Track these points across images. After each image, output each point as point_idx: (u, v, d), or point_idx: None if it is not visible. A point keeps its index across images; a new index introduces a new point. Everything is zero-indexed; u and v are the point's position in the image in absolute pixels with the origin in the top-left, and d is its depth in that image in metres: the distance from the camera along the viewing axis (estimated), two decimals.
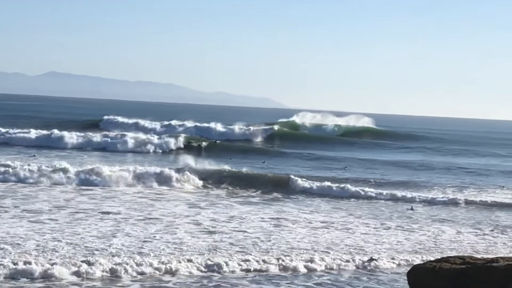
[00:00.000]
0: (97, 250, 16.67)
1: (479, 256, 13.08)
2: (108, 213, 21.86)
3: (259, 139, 61.47)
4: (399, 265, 17.24)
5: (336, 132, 71.85)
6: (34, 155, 41.85)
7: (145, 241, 18.04)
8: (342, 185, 30.67)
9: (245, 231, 20.29)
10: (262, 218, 22.95)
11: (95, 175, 29.21)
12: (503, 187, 35.14)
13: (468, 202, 29.14)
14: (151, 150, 47.31)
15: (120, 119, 67.56)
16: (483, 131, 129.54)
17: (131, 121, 66.98)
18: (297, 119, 77.57)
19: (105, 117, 68.77)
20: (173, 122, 65.55)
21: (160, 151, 47.50)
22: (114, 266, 15.11)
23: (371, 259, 17.38)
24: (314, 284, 15.29)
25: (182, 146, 48.63)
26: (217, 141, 52.14)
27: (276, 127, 65.30)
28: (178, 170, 31.03)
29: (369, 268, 16.86)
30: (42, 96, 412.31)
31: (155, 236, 18.71)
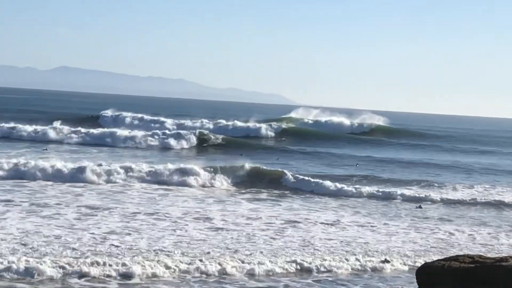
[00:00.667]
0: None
1: (489, 255, 13.03)
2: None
3: (268, 136, 61.45)
4: (409, 265, 17.09)
5: (349, 130, 71.76)
6: (46, 149, 42.00)
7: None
8: (356, 186, 30.44)
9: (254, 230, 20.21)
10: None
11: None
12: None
13: (478, 202, 28.99)
14: (156, 146, 46.93)
15: (124, 113, 67.04)
16: (492, 129, 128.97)
17: (130, 114, 66.52)
18: (294, 114, 77.73)
19: (104, 112, 68.20)
20: (170, 121, 64.27)
21: (168, 147, 47.19)
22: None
23: (386, 261, 17.12)
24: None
25: (195, 143, 48.44)
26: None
27: (284, 125, 65.17)
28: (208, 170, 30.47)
29: (383, 269, 16.65)
30: (52, 90, 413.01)
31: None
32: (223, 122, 64.04)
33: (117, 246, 16.68)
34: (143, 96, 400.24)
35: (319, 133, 64.54)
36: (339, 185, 29.96)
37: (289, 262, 16.24)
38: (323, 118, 76.40)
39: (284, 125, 65.03)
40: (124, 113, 67.02)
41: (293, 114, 78.04)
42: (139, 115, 66.54)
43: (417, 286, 11.56)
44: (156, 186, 27.78)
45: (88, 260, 14.88)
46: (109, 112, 67.73)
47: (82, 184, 26.95)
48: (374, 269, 16.59)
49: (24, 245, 16.18)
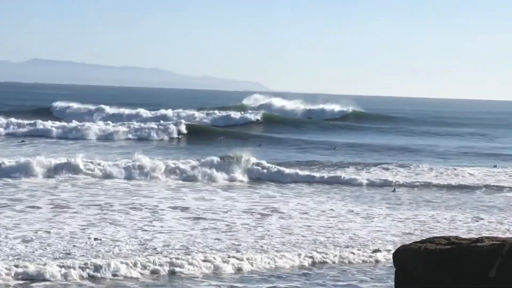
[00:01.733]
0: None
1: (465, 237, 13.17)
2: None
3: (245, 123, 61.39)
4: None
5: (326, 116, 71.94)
6: (23, 140, 41.73)
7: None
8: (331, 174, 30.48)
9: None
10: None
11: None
12: (495, 166, 35.27)
13: (450, 186, 29.15)
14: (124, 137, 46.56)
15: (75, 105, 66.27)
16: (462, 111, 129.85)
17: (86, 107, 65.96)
18: (246, 101, 77.83)
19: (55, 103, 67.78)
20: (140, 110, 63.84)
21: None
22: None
23: (377, 250, 16.90)
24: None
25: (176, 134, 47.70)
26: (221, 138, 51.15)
27: (262, 112, 65.11)
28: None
29: (375, 260, 16.43)
30: (23, 83, 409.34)
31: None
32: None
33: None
34: (117, 87, 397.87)
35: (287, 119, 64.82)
36: (309, 172, 30.02)
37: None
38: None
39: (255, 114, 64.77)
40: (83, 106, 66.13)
41: (245, 101, 78.13)
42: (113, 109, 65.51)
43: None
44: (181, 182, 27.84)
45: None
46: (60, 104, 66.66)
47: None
48: (365, 261, 16.42)
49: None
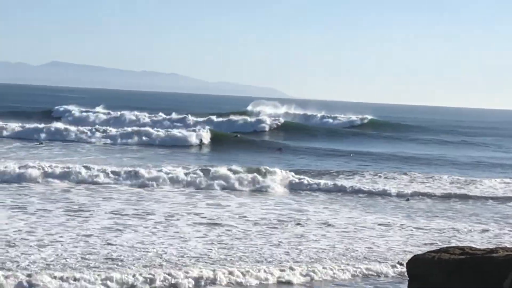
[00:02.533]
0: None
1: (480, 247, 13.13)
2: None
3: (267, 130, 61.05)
4: None
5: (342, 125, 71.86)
6: (41, 143, 41.85)
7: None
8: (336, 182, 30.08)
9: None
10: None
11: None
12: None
13: (465, 196, 28.89)
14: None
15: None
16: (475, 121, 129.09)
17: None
18: (250, 107, 77.73)
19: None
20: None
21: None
22: None
23: (399, 263, 16.19)
24: None
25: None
26: (238, 135, 50.53)
27: (282, 120, 64.93)
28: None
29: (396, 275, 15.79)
30: (41, 86, 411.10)
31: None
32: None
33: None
34: (135, 91, 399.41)
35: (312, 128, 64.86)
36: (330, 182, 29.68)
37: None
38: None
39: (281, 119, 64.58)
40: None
41: (250, 107, 77.97)
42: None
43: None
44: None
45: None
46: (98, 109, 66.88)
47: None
48: (387, 274, 15.88)
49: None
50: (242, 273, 14.83)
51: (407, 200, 27.15)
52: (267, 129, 61.07)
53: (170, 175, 27.50)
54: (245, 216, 21.44)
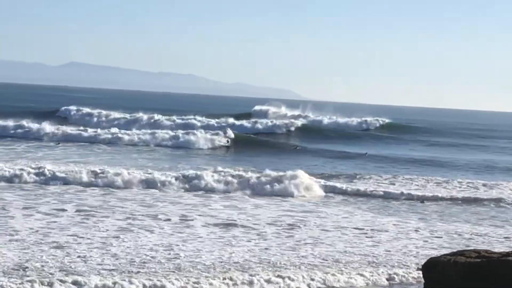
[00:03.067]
0: None
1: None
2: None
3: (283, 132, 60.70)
4: None
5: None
6: (58, 143, 41.91)
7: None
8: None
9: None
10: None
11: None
12: None
13: (480, 199, 28.64)
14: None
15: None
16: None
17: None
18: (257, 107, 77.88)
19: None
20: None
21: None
22: None
23: (418, 269, 15.86)
24: None
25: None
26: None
27: (299, 123, 64.58)
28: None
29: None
30: (61, 86, 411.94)
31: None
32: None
33: None
34: (152, 92, 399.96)
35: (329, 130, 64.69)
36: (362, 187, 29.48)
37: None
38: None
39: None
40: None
41: (257, 108, 78.08)
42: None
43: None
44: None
45: None
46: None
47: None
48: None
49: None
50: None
51: (422, 202, 27.11)
52: (282, 131, 60.64)
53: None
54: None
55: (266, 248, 17.38)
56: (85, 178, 26.14)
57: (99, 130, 46.77)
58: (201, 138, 46.17)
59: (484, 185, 32.45)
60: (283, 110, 77.45)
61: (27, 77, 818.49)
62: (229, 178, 27.35)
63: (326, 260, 16.59)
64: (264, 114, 74.88)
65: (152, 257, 15.73)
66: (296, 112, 76.46)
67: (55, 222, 18.90)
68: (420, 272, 15.24)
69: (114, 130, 47.37)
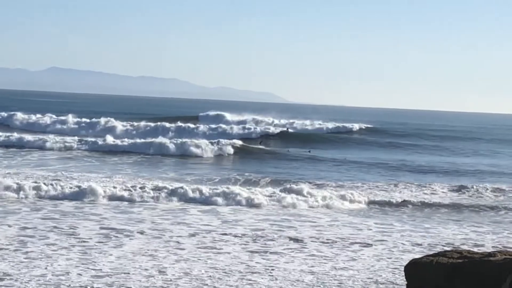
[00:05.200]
0: None
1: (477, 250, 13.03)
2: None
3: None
4: None
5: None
6: (309, 151, 41.22)
7: None
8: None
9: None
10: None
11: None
12: None
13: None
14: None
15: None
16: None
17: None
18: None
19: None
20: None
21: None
22: None
23: None
24: None
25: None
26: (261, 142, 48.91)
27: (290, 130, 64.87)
28: None
29: None
30: (42, 91, 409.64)
31: None
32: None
33: None
34: (133, 96, 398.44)
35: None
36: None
37: None
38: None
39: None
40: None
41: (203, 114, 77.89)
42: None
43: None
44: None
45: None
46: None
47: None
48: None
49: None
50: None
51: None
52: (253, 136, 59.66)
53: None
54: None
55: None
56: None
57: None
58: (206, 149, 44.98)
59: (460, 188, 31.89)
60: (228, 116, 77.49)
61: (9, 82, 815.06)
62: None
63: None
64: (212, 119, 75.06)
65: None
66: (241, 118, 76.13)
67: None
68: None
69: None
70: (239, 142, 47.78)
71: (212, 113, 79.34)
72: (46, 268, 14.84)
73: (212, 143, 45.85)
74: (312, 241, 19.02)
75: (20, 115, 65.18)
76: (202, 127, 62.21)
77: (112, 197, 24.85)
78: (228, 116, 77.86)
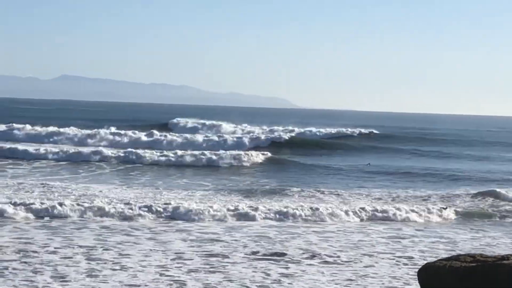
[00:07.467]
0: None
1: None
2: None
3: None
4: None
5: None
6: (369, 164, 40.31)
7: None
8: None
9: None
10: None
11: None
12: None
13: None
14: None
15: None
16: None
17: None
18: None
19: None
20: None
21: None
22: None
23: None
24: None
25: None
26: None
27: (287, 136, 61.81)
28: None
29: None
30: (52, 100, 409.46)
31: None
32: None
33: None
34: (145, 103, 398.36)
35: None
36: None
37: None
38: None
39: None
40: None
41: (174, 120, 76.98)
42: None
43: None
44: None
45: None
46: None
47: None
48: None
49: None
50: None
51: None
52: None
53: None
54: None
55: None
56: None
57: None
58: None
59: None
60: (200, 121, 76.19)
61: (21, 91, 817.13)
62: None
63: None
64: (181, 127, 73.39)
65: None
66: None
67: None
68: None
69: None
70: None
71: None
72: None
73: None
74: None
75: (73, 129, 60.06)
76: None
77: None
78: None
